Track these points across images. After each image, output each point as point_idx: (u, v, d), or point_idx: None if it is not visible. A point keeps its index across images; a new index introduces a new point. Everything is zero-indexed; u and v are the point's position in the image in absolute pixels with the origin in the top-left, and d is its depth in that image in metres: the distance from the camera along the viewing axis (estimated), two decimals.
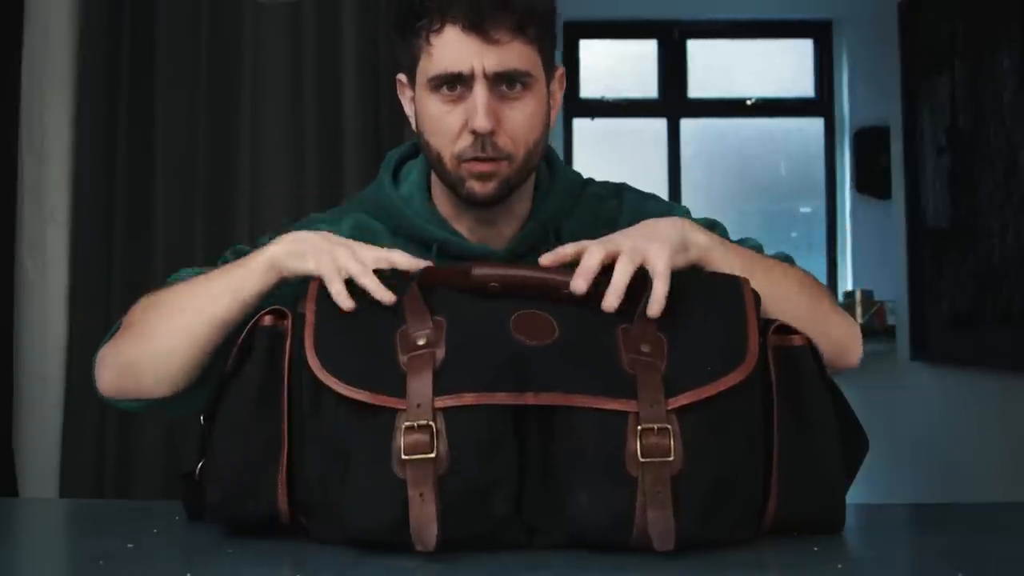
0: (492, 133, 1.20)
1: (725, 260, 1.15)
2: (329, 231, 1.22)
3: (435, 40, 1.20)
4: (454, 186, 1.26)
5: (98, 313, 2.31)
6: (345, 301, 1.04)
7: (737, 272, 1.13)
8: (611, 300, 1.03)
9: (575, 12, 4.35)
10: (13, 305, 2.29)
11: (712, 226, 1.33)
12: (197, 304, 1.16)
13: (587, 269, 1.05)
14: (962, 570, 0.92)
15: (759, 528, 1.03)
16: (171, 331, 1.17)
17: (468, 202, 1.27)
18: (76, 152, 2.31)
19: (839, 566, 0.95)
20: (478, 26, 1.18)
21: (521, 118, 1.22)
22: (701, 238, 1.15)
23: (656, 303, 1.03)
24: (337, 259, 1.08)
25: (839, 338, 1.22)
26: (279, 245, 1.14)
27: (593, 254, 1.06)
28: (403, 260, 1.10)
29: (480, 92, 1.19)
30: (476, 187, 1.24)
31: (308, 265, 1.10)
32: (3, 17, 2.32)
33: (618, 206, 1.37)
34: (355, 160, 2.29)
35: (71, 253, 2.30)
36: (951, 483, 3.41)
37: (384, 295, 1.04)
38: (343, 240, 1.13)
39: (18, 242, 2.29)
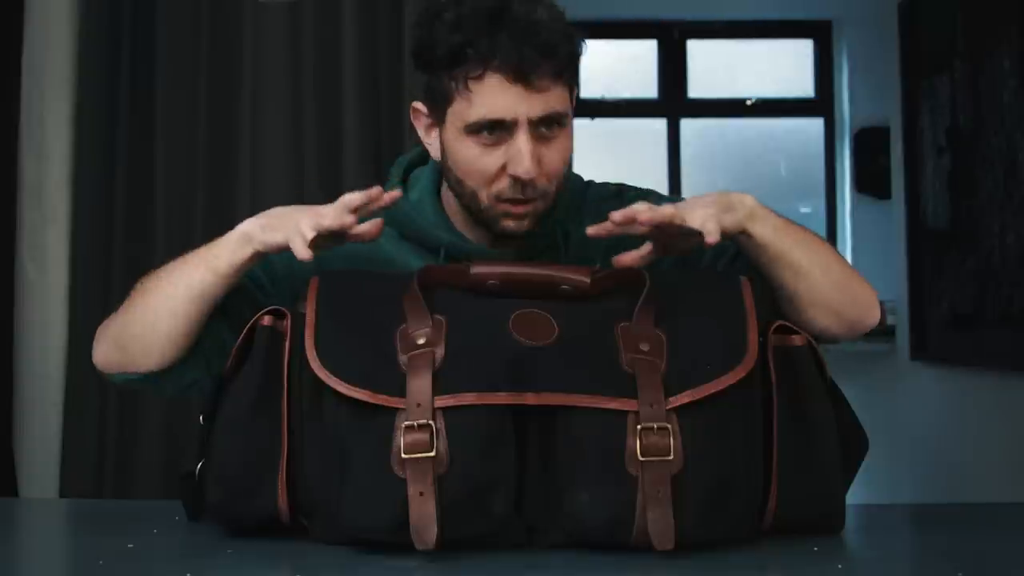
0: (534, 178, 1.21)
1: (767, 221, 1.19)
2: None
3: (475, 87, 1.19)
4: (488, 224, 1.27)
5: (98, 313, 2.27)
6: (303, 252, 1.09)
7: (779, 238, 1.18)
8: (645, 214, 1.11)
9: (575, 12, 4.34)
10: (13, 305, 2.29)
11: None
12: (175, 276, 1.19)
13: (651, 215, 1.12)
14: (962, 570, 0.92)
15: (759, 527, 1.03)
16: (153, 303, 1.20)
17: (502, 237, 1.28)
18: (76, 152, 2.30)
19: (839, 566, 0.95)
20: (523, 75, 1.17)
21: (558, 157, 1.23)
22: (748, 200, 1.19)
23: (711, 235, 1.10)
24: (300, 224, 1.12)
25: (864, 297, 1.25)
26: (252, 220, 1.18)
27: (641, 205, 1.13)
28: (356, 197, 1.13)
29: (523, 139, 1.19)
30: (511, 225, 1.25)
31: (277, 237, 1.14)
32: (3, 17, 2.32)
33: (619, 206, 1.37)
34: (355, 160, 2.28)
35: (71, 253, 2.30)
36: (951, 483, 3.41)
37: (347, 218, 1.11)
38: (307, 207, 1.16)
39: (18, 242, 2.29)
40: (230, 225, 2.34)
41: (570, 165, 1.29)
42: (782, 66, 4.67)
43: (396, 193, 1.21)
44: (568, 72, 1.22)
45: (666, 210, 1.13)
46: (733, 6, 4.50)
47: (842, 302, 1.22)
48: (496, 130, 1.20)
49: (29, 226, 2.28)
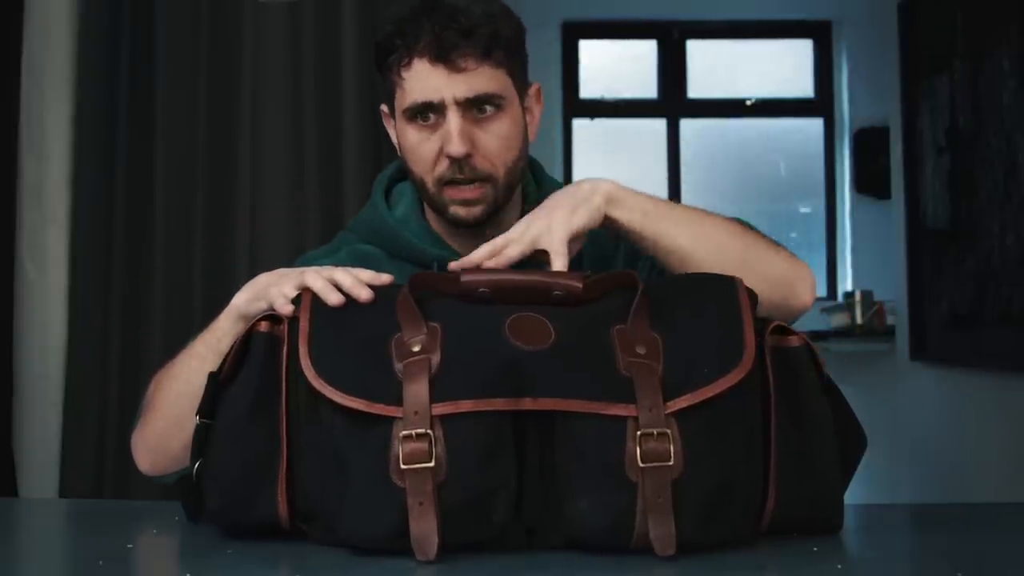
0: (468, 156, 1.25)
1: (631, 205, 1.18)
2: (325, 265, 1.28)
3: (405, 74, 1.26)
4: (439, 211, 1.31)
5: (98, 313, 2.31)
6: (286, 309, 1.06)
7: (651, 222, 1.18)
8: (499, 259, 1.11)
9: (575, 12, 4.36)
10: (13, 305, 2.29)
11: None
12: (189, 368, 1.20)
13: (476, 258, 1.13)
14: (962, 570, 0.92)
15: (757, 528, 1.03)
16: (176, 399, 1.20)
17: (455, 225, 1.31)
18: (76, 152, 2.30)
19: (839, 566, 0.95)
20: (444, 57, 1.23)
21: (495, 140, 1.27)
22: (603, 186, 1.18)
23: (556, 258, 1.10)
24: (282, 288, 1.11)
25: (781, 276, 1.22)
26: (239, 294, 1.18)
27: (483, 250, 1.14)
28: (346, 278, 1.08)
29: (453, 118, 1.24)
30: (461, 212, 1.29)
31: (261, 305, 1.13)
32: (3, 17, 2.32)
33: None
34: (355, 159, 2.28)
35: (71, 253, 2.30)
36: (950, 483, 3.41)
37: (332, 296, 1.06)
38: (293, 271, 1.14)
39: (18, 242, 2.29)
40: (231, 226, 2.36)
41: (522, 152, 1.31)
42: (782, 66, 4.68)
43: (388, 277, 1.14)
44: (500, 54, 1.25)
45: (511, 251, 1.13)
46: (733, 6, 4.51)
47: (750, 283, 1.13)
48: (430, 114, 1.26)
49: (29, 226, 2.28)
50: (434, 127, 1.26)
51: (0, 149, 2.31)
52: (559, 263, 1.12)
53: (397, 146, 1.35)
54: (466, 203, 1.28)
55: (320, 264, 1.31)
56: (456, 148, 1.24)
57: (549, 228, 1.14)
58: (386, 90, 1.31)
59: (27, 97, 2.29)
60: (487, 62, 1.24)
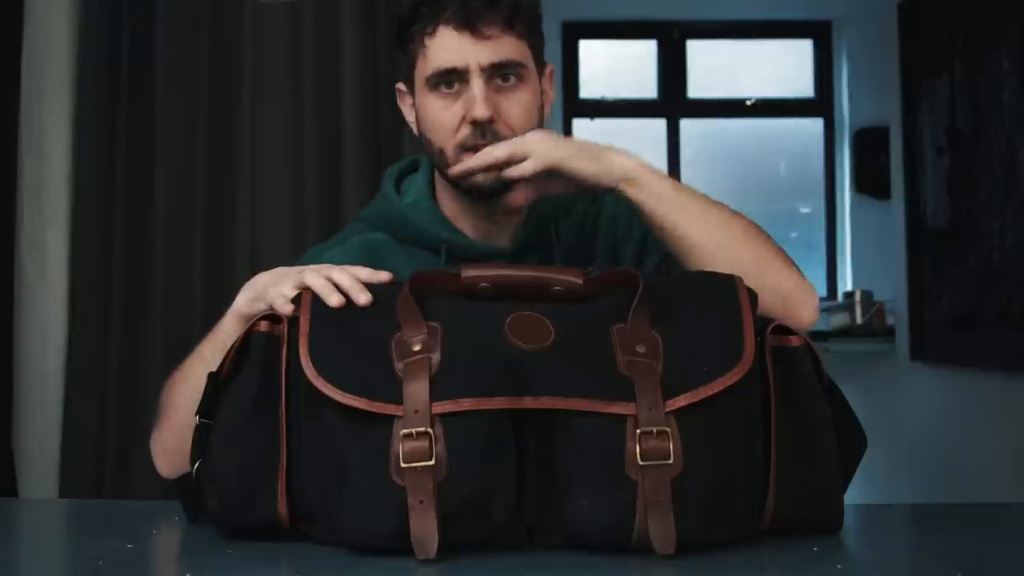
0: (491, 121, 1.27)
1: (653, 187, 1.22)
2: (335, 256, 1.30)
3: (430, 41, 1.28)
4: (460, 183, 1.30)
5: (98, 313, 2.31)
6: (286, 309, 1.06)
7: (665, 210, 1.21)
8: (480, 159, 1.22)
9: (575, 12, 4.35)
10: (13, 305, 2.29)
11: None
12: (198, 371, 1.19)
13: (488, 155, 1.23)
14: (962, 570, 0.92)
15: (757, 528, 1.03)
16: (188, 401, 1.19)
17: (473, 194, 1.31)
18: (76, 152, 2.31)
19: (839, 566, 0.95)
20: (470, 24, 1.26)
21: (517, 107, 1.29)
22: (627, 163, 1.22)
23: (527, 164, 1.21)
24: (281, 289, 1.10)
25: (788, 291, 1.21)
26: (240, 295, 1.19)
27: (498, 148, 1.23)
28: (344, 278, 1.07)
29: (477, 83, 1.27)
30: (479, 177, 1.28)
31: (261, 305, 1.13)
32: (3, 17, 2.32)
33: (598, 208, 1.41)
34: (355, 160, 2.29)
35: (71, 253, 2.30)
36: (950, 483, 3.41)
37: (333, 297, 1.04)
38: (292, 269, 1.14)
39: (18, 242, 2.29)
40: (231, 226, 2.37)
41: (540, 126, 1.32)
42: (782, 66, 4.68)
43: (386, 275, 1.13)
44: (522, 25, 1.29)
45: (499, 150, 1.23)
46: (733, 6, 4.51)
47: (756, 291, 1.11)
48: (453, 80, 1.28)
49: (29, 226, 2.28)
50: (456, 94, 1.28)
51: (0, 149, 2.31)
52: (503, 149, 1.21)
53: (414, 123, 1.36)
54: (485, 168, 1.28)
55: (331, 256, 1.32)
56: (481, 111, 1.26)
57: (544, 147, 1.20)
58: (406, 63, 1.33)
59: (27, 97, 2.29)
60: (510, 31, 1.28)
